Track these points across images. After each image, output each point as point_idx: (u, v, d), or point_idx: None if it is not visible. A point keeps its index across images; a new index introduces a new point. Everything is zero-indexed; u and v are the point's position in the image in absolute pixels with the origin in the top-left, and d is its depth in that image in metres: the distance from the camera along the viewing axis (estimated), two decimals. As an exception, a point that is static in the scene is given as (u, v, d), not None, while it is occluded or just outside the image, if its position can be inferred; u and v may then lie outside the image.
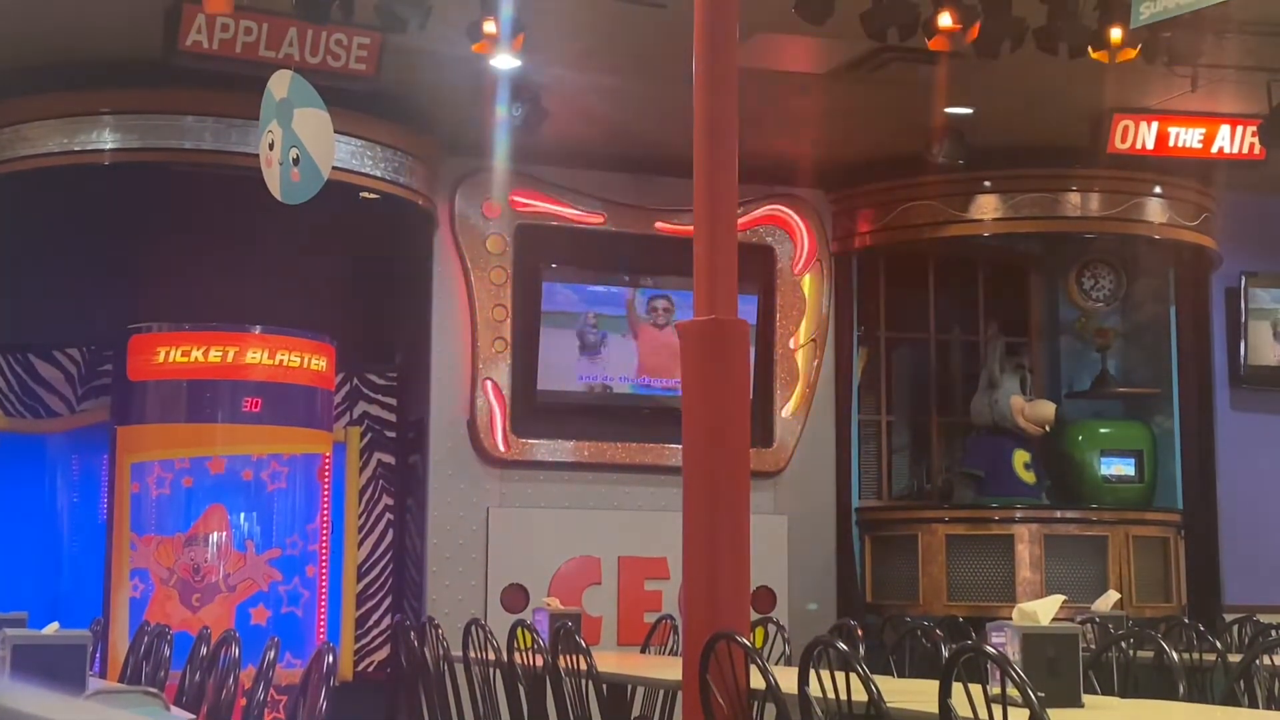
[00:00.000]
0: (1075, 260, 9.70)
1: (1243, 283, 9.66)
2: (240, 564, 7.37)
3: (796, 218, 9.33)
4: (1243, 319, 9.66)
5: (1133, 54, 6.24)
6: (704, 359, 4.89)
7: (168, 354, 7.42)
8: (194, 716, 4.59)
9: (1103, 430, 9.56)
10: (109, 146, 7.42)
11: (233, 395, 7.47)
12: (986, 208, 9.00)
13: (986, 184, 8.92)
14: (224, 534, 7.37)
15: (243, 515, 7.42)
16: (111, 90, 7.37)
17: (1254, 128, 7.94)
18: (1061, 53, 6.40)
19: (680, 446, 4.98)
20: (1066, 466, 9.50)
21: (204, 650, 5.46)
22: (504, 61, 6.90)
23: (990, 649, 3.65)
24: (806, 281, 9.33)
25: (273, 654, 4.93)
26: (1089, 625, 6.35)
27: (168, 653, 5.83)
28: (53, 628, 4.93)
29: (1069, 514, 8.96)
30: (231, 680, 4.94)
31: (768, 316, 9.18)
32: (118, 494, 7.39)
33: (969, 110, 8.03)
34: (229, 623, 7.01)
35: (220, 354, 7.45)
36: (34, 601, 7.34)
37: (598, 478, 8.82)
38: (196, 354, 7.42)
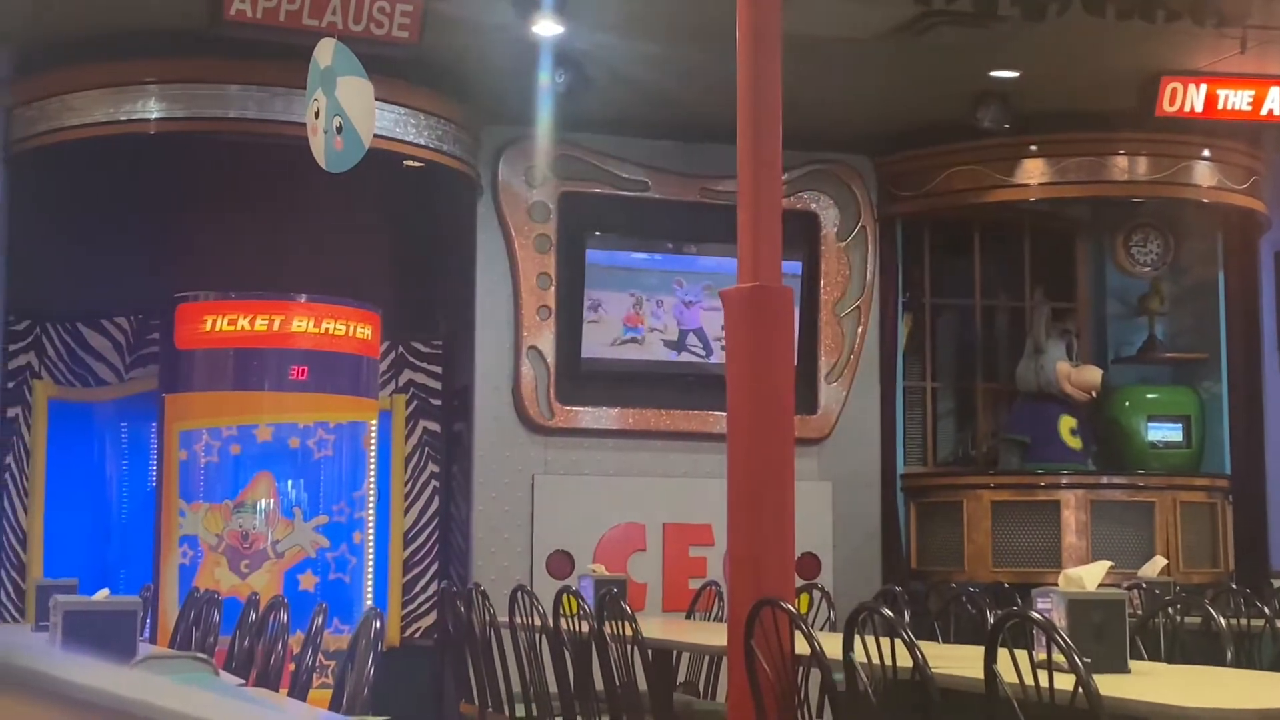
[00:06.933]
0: (1122, 225, 9.61)
1: (1293, 246, 9.55)
2: (288, 531, 7.43)
3: (841, 183, 9.28)
4: (1293, 283, 9.55)
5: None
6: (748, 326, 4.88)
7: (214, 322, 7.48)
8: (243, 682, 4.65)
9: (1150, 396, 9.49)
10: (154, 116, 7.46)
11: (279, 363, 7.52)
12: (1033, 172, 8.92)
13: (1032, 148, 8.84)
14: (272, 501, 7.43)
15: (290, 482, 7.48)
16: (157, 60, 7.40)
17: (1305, 89, 7.84)
18: (1109, 15, 6.33)
19: (724, 413, 4.98)
20: (1113, 432, 9.44)
21: (253, 616, 5.52)
22: (547, 28, 6.89)
23: (1036, 615, 3.65)
24: (851, 248, 9.29)
25: (320, 620, 4.98)
26: (1136, 591, 6.32)
27: (217, 618, 5.90)
28: (103, 594, 5.00)
29: (1115, 480, 8.91)
30: (280, 646, 4.99)
31: (812, 283, 9.14)
32: (166, 461, 7.46)
33: (1015, 74, 7.96)
34: (277, 589, 7.08)
35: (266, 322, 7.49)
36: (84, 568, 7.44)
37: (642, 444, 8.83)
38: (243, 322, 7.47)
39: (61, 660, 0.63)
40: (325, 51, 6.27)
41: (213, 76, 7.41)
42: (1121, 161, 8.85)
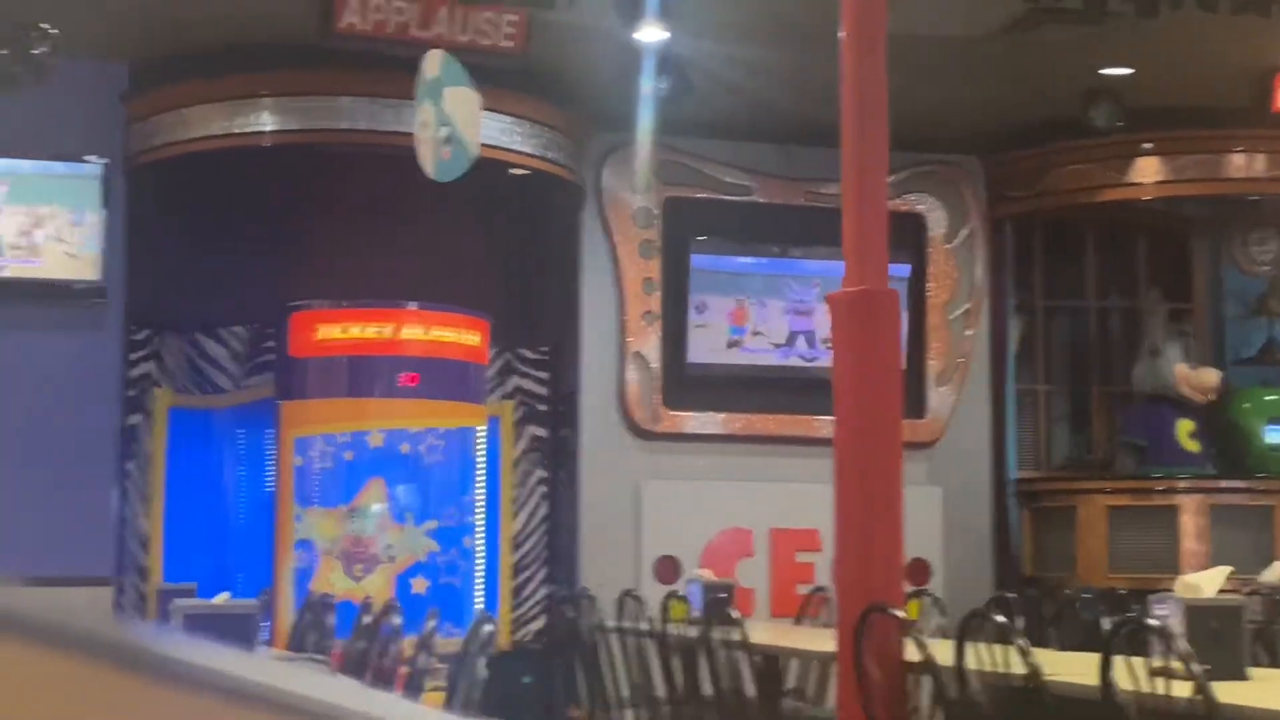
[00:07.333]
0: (1240, 223, 9.41)
1: None
2: (400, 535, 7.52)
3: (948, 184, 9.19)
4: None
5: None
6: (854, 330, 4.86)
7: (327, 331, 7.60)
8: (359, 683, 4.72)
9: (1269, 398, 9.28)
10: (268, 128, 7.61)
11: (390, 370, 7.62)
12: (1147, 171, 8.77)
13: (1146, 146, 8.68)
14: (384, 506, 7.53)
15: (401, 488, 7.57)
16: (270, 73, 7.55)
17: None
18: (1222, 10, 6.21)
19: (831, 417, 4.96)
20: (1232, 435, 9.24)
21: (367, 619, 5.61)
22: (650, 34, 6.91)
23: (1153, 621, 3.59)
24: (959, 249, 9.19)
25: (433, 623, 5.05)
26: (1255, 597, 6.18)
27: (332, 622, 6.00)
28: (223, 597, 5.11)
29: (1235, 484, 8.72)
30: (394, 649, 5.07)
31: (919, 286, 9.06)
32: (282, 467, 7.59)
33: (1127, 71, 7.83)
34: (390, 593, 7.17)
35: (378, 330, 7.60)
36: (203, 572, 7.59)
37: (748, 449, 8.81)
38: (355, 330, 7.58)
39: (189, 645, 0.64)
40: (433, 63, 6.35)
41: (324, 89, 7.53)
42: (1238, 159, 8.67)
